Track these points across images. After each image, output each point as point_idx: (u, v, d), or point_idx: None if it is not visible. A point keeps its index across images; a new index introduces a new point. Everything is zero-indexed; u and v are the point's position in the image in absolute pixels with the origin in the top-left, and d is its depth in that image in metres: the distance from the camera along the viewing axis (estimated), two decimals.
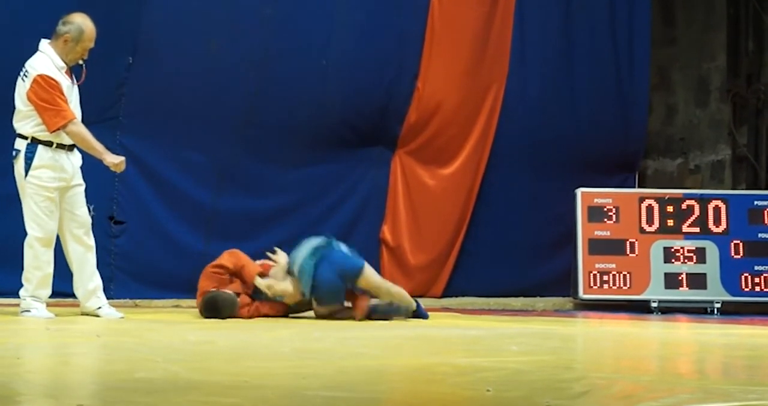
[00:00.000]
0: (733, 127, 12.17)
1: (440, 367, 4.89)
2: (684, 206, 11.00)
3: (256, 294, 8.43)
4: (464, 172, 11.29)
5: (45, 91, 7.83)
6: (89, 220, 8.15)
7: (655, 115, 12.59)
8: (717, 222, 10.95)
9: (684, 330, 8.78)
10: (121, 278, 9.89)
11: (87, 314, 8.12)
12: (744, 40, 12.19)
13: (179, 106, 10.13)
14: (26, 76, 7.90)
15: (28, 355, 5.32)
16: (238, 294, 8.34)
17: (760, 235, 10.93)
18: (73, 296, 8.22)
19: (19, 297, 8.00)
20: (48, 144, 7.90)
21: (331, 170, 10.83)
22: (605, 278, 10.85)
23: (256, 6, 10.34)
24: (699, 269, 10.89)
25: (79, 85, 8.13)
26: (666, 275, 10.87)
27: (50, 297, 8.05)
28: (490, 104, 11.36)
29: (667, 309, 10.86)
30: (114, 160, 8.07)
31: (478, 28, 11.24)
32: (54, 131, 7.85)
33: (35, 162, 7.86)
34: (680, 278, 10.87)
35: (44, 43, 8.00)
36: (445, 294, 11.25)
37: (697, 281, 10.87)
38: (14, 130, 7.98)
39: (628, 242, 10.90)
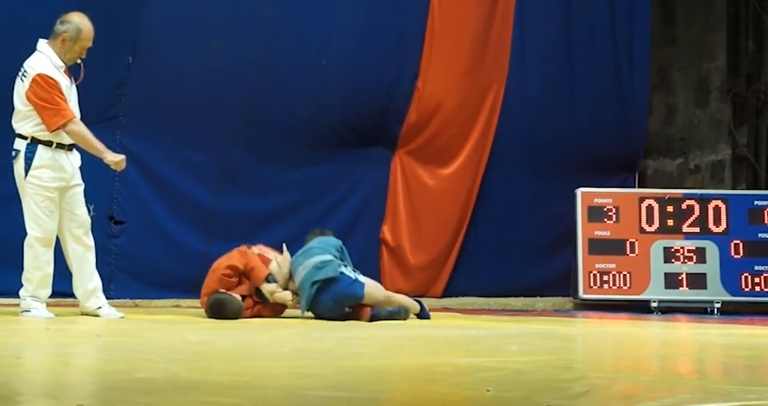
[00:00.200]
0: (733, 127, 12.17)
1: (440, 367, 4.89)
2: (684, 206, 11.00)
3: (258, 294, 8.47)
4: (464, 172, 11.29)
5: (44, 91, 7.83)
6: (89, 220, 8.15)
7: (655, 115, 12.59)
8: (717, 222, 10.95)
9: (684, 330, 8.78)
10: (121, 278, 9.89)
11: (87, 314, 8.12)
12: (744, 40, 12.20)
13: (179, 106, 10.13)
14: (25, 76, 7.89)
15: (28, 355, 5.32)
16: (243, 297, 8.38)
17: (760, 235, 10.93)
18: (73, 296, 8.22)
19: (19, 297, 7.99)
20: (48, 144, 7.89)
21: (331, 170, 10.83)
22: (605, 278, 10.85)
23: (256, 6, 10.34)
24: (699, 269, 10.90)
25: (78, 85, 8.13)
26: (666, 275, 10.87)
27: (50, 297, 8.05)
28: (490, 104, 11.36)
29: (667, 309, 10.86)
30: (114, 159, 8.08)
31: (478, 28, 11.24)
32: (54, 130, 7.85)
33: (35, 162, 7.86)
34: (680, 278, 10.87)
35: (42, 43, 8.00)
36: (445, 294, 11.25)
37: (697, 281, 10.87)
38: (14, 131, 7.97)
39: (628, 242, 10.90)
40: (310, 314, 8.52)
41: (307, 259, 8.38)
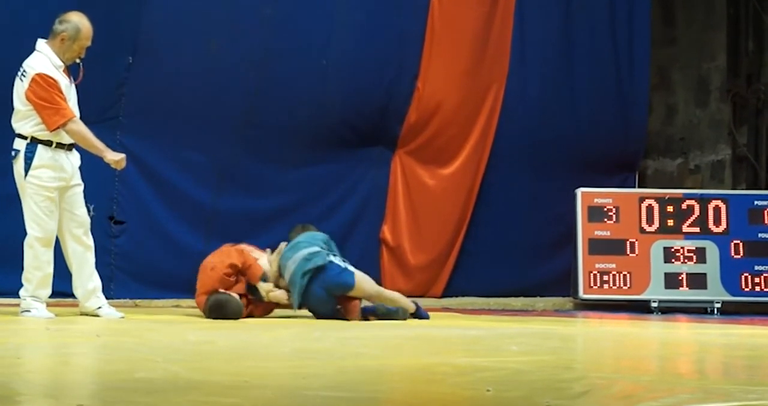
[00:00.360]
0: (733, 127, 12.17)
1: (440, 367, 4.89)
2: (684, 206, 11.00)
3: (252, 292, 8.48)
4: (464, 172, 11.29)
5: (44, 90, 7.82)
6: (88, 220, 8.15)
7: (655, 115, 12.59)
8: (717, 222, 10.95)
9: (684, 330, 8.78)
10: (121, 278, 9.89)
11: (86, 314, 8.11)
12: (744, 40, 12.19)
13: (179, 106, 10.13)
14: (24, 76, 7.89)
15: (28, 355, 5.32)
16: (241, 296, 8.38)
17: (760, 235, 10.93)
18: (72, 296, 8.22)
19: (19, 297, 7.99)
20: (47, 144, 7.89)
21: (331, 170, 10.83)
22: (605, 278, 10.85)
23: (256, 6, 10.34)
24: (699, 268, 10.90)
25: (77, 85, 8.12)
26: (666, 274, 10.87)
27: (50, 297, 8.05)
28: (490, 104, 11.36)
29: (667, 309, 10.86)
30: (115, 158, 8.08)
31: (478, 28, 11.24)
32: (54, 130, 7.84)
33: (35, 162, 7.85)
34: (680, 278, 10.87)
35: (41, 43, 7.99)
36: (445, 294, 11.25)
37: (697, 281, 10.87)
38: (13, 131, 7.97)
39: (628, 242, 10.90)
40: (304, 311, 8.51)
41: (296, 253, 8.38)
